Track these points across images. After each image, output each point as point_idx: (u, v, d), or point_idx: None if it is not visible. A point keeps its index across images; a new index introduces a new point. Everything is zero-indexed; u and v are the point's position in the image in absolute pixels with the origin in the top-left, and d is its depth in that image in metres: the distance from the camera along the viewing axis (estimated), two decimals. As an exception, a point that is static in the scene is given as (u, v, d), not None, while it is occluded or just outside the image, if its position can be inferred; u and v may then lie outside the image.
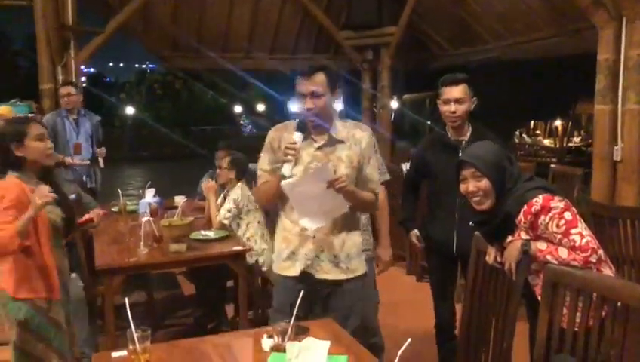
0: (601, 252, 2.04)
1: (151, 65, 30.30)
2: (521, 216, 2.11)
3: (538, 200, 2.08)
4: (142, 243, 3.33)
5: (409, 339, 1.56)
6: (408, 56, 8.04)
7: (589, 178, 4.68)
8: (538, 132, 18.38)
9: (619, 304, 1.81)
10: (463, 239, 2.79)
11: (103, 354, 2.04)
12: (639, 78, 4.05)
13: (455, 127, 2.94)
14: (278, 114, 17.24)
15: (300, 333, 2.03)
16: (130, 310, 1.89)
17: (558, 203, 2.07)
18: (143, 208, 4.41)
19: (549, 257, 2.05)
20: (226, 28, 7.63)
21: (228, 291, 4.30)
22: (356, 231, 2.58)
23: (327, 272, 2.49)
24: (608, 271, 2.08)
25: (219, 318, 4.13)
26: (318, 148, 2.46)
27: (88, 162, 5.09)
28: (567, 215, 2.05)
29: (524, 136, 18.01)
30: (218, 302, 4.24)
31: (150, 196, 4.58)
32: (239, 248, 3.44)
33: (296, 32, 7.94)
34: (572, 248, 2.01)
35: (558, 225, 2.05)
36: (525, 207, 2.10)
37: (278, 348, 1.89)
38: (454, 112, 2.89)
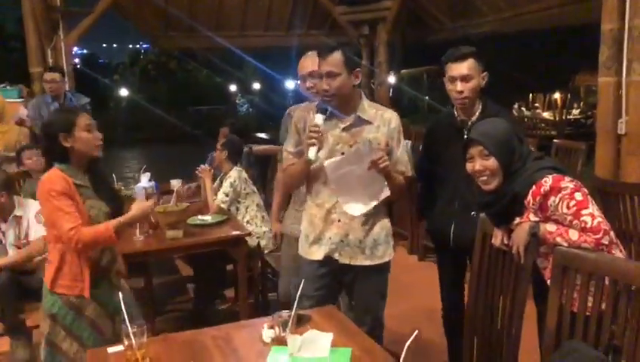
0: (612, 233, 1.96)
1: (145, 46, 29.95)
2: (529, 197, 2.03)
3: (547, 181, 1.99)
4: (137, 230, 3.26)
5: (416, 331, 1.49)
6: (405, 31, 7.88)
7: (592, 152, 4.58)
8: (537, 105, 18.23)
9: (632, 287, 1.74)
10: (460, 230, 2.61)
11: (98, 349, 1.96)
12: (644, 48, 3.92)
13: (463, 108, 2.63)
14: (274, 92, 17.07)
15: (302, 323, 1.97)
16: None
17: (568, 183, 1.98)
18: (138, 193, 4.33)
19: (558, 239, 1.97)
20: (219, 5, 7.47)
21: (228, 275, 4.24)
22: (385, 216, 2.50)
23: (351, 257, 2.43)
24: (619, 253, 2.00)
25: (215, 303, 4.08)
26: (344, 130, 2.38)
27: None
28: (578, 195, 1.96)
29: (523, 109, 17.86)
30: (217, 287, 4.19)
31: (145, 180, 4.46)
32: (238, 232, 3.37)
33: (290, 8, 7.78)
34: (583, 230, 1.93)
35: (568, 206, 1.95)
36: (534, 187, 2.01)
37: (280, 341, 1.82)
38: (461, 92, 2.56)
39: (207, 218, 3.60)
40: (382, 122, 2.40)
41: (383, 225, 2.48)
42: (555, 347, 1.91)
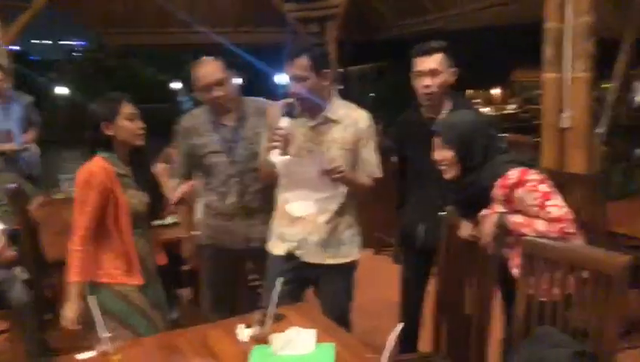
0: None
1: (80, 43, 28.88)
2: (496, 190, 2.09)
3: (514, 174, 2.06)
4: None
5: (400, 324, 1.52)
6: (353, 28, 7.94)
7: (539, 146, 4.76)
8: (478, 100, 18.80)
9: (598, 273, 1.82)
10: (429, 232, 2.59)
11: (67, 358, 1.89)
12: (586, 45, 4.10)
13: (430, 105, 2.58)
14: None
15: (276, 320, 1.96)
16: None
17: (534, 176, 2.06)
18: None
19: (525, 230, 2.04)
20: (165, 1, 7.29)
21: (185, 275, 4.16)
22: (351, 215, 2.50)
23: (313, 255, 2.42)
24: (580, 241, 2.09)
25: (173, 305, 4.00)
26: (311, 128, 2.38)
27: (19, 148, 4.83)
28: (543, 187, 2.04)
29: (463, 104, 18.38)
30: (172, 288, 4.11)
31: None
32: (195, 233, 3.30)
33: (239, 4, 7.69)
34: (549, 220, 2.01)
35: (534, 198, 2.03)
36: (500, 180, 2.08)
37: (260, 339, 1.81)
38: (428, 86, 2.51)
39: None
40: (350, 122, 2.41)
41: (349, 224, 2.49)
42: (525, 334, 1.99)
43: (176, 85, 23.77)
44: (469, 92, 19.46)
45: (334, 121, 2.39)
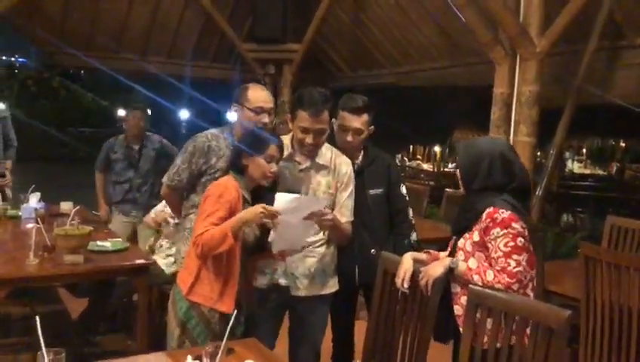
0: (528, 282, 2.13)
1: (20, 59, 27.87)
2: (484, 215, 2.15)
3: (504, 213, 2.11)
4: (32, 253, 3.02)
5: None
6: (308, 74, 8.11)
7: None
8: (419, 156, 19.40)
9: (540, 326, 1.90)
10: (364, 270, 2.69)
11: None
12: (530, 112, 4.36)
13: (346, 154, 2.71)
14: (163, 121, 16.65)
15: (227, 354, 1.93)
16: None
17: (518, 226, 2.10)
18: (27, 214, 4.03)
19: (475, 277, 2.11)
20: (122, 28, 7.24)
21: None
22: (334, 249, 2.59)
23: (300, 289, 2.49)
24: (531, 296, 2.17)
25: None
26: (301, 171, 2.47)
27: None
28: (520, 241, 2.09)
29: (406, 159, 18.94)
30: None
31: (35, 201, 4.20)
32: (142, 261, 3.23)
33: (196, 39, 7.73)
34: (502, 269, 2.07)
35: (505, 245, 2.08)
36: (492, 209, 2.13)
37: (209, 372, 1.77)
38: (349, 142, 2.69)
39: (107, 244, 3.42)
40: (334, 166, 2.52)
41: (333, 257, 2.59)
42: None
43: (121, 112, 23.33)
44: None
45: (322, 166, 2.50)
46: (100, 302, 4.02)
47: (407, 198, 2.89)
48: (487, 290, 2.07)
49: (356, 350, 2.88)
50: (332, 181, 2.50)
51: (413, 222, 2.90)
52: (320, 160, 2.50)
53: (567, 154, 18.41)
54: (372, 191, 2.74)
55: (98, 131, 22.05)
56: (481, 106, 5.67)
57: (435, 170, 17.16)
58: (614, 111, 6.66)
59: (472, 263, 2.16)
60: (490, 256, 2.13)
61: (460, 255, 2.24)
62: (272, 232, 2.29)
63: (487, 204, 2.15)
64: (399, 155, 18.63)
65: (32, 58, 24.20)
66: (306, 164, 2.49)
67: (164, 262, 3.76)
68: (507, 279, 2.06)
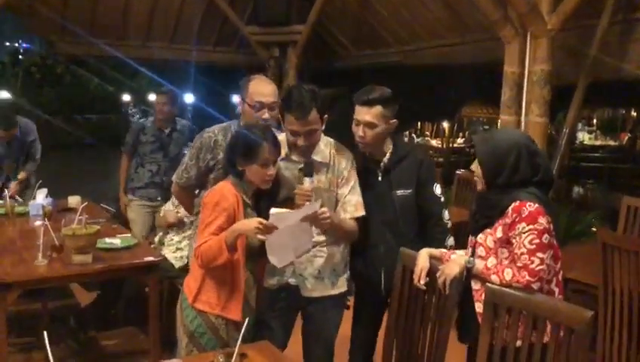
0: (553, 277, 2.08)
1: (24, 45, 27.72)
2: (509, 210, 2.07)
3: (532, 205, 2.03)
4: (40, 253, 2.99)
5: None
6: (313, 55, 7.99)
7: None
8: (427, 133, 19.25)
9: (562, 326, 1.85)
10: (390, 274, 2.51)
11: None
12: (542, 91, 4.26)
13: (366, 151, 2.58)
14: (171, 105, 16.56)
15: (240, 359, 1.89)
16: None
17: (544, 221, 2.03)
18: (34, 211, 4.01)
19: (493, 277, 2.05)
20: (124, 13, 7.14)
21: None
22: (345, 247, 2.53)
23: (311, 290, 2.45)
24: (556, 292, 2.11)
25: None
26: (300, 170, 2.37)
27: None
28: (545, 238, 2.02)
29: (414, 136, 18.79)
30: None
31: (42, 197, 4.16)
32: (151, 258, 3.19)
33: (198, 23, 7.61)
34: (524, 266, 2.00)
35: (530, 242, 2.01)
36: (518, 202, 2.05)
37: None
38: (362, 137, 2.51)
39: (116, 241, 3.38)
40: (333, 162, 2.43)
41: (343, 256, 2.52)
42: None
43: (125, 97, 23.26)
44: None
45: (321, 163, 2.41)
46: (109, 296, 4.02)
47: (441, 199, 2.63)
48: (504, 289, 2.01)
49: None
50: (333, 177, 2.41)
51: (450, 225, 2.63)
52: (318, 157, 2.40)
53: (578, 125, 18.20)
54: (399, 192, 2.54)
55: (104, 118, 22.04)
56: (490, 82, 5.57)
57: (444, 146, 17.01)
58: (626, 83, 6.54)
59: (491, 262, 2.10)
60: (513, 251, 2.06)
61: (480, 251, 2.17)
62: (267, 247, 2.19)
63: (512, 199, 2.07)
64: (407, 133, 18.50)
65: (35, 44, 24.14)
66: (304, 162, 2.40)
67: (173, 256, 3.74)
68: (528, 277, 2.00)
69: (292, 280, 2.44)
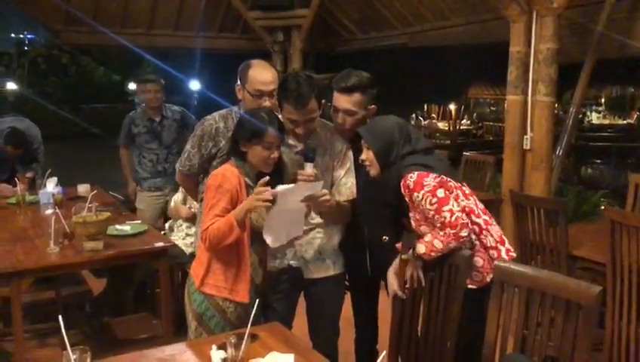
0: (477, 227, 2.21)
1: (29, 36, 27.75)
2: (402, 190, 2.21)
3: (412, 177, 2.17)
4: (52, 241, 3.03)
5: (384, 352, 1.51)
6: (317, 39, 7.96)
7: (499, 165, 4.88)
8: (433, 115, 19.16)
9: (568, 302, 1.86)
10: (375, 258, 2.56)
11: None
12: (548, 70, 4.23)
13: (344, 137, 2.52)
14: (177, 93, 16.57)
15: (251, 341, 1.91)
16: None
17: (431, 181, 2.15)
18: (45, 199, 4.05)
19: (432, 254, 2.16)
20: (127, 1, 7.13)
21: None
22: (343, 227, 2.55)
23: (313, 272, 2.48)
24: (490, 240, 2.23)
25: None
26: (297, 153, 2.38)
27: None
28: (440, 192, 2.14)
29: (420, 118, 18.73)
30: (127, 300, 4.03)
31: (52, 186, 4.20)
32: (162, 244, 3.22)
33: (202, 10, 7.59)
34: (443, 225, 2.11)
35: (430, 203, 2.13)
36: (402, 181, 2.19)
37: (235, 363, 1.76)
38: (342, 124, 2.49)
39: (126, 228, 3.41)
40: (329, 145, 2.44)
41: (342, 236, 2.56)
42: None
43: (131, 86, 23.29)
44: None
45: (317, 147, 2.40)
46: (120, 282, 4.06)
47: None
48: (512, 267, 2.02)
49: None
50: (329, 161, 2.42)
51: None
52: (314, 140, 2.41)
53: (587, 105, 18.06)
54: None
55: (111, 107, 22.06)
56: (496, 62, 5.54)
57: (451, 128, 16.93)
58: (634, 61, 6.48)
59: (419, 248, 2.20)
60: (428, 219, 2.19)
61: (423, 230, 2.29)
62: (264, 225, 2.20)
63: (397, 176, 2.22)
64: (413, 115, 18.44)
65: (40, 34, 24.16)
66: (300, 146, 2.41)
67: (183, 242, 3.77)
68: (451, 231, 2.09)
69: (293, 262, 2.46)
